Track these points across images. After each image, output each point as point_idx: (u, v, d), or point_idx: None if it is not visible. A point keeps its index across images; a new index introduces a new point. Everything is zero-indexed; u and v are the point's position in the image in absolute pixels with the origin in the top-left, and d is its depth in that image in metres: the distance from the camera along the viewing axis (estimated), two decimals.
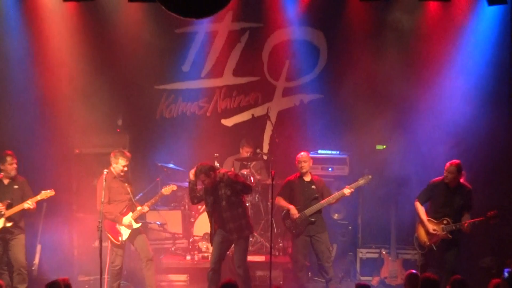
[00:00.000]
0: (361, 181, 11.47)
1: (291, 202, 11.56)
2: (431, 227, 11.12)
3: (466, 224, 10.94)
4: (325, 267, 11.54)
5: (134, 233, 11.37)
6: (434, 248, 11.14)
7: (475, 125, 12.79)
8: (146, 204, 11.42)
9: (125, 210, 11.32)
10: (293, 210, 11.47)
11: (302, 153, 11.68)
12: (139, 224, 11.40)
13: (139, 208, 11.34)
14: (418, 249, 11.43)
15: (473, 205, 11.17)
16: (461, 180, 11.19)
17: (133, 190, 11.49)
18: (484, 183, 12.43)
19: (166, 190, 11.56)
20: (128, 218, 11.26)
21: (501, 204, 12.09)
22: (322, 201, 11.48)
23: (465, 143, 12.81)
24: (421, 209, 11.31)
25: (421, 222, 11.28)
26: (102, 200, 10.82)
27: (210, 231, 11.13)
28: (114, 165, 11.28)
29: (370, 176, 11.47)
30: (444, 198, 11.17)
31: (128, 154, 11.43)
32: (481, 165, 12.63)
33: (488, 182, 12.62)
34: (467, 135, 12.86)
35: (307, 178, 11.66)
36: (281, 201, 11.64)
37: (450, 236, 11.05)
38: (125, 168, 11.32)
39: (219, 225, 10.99)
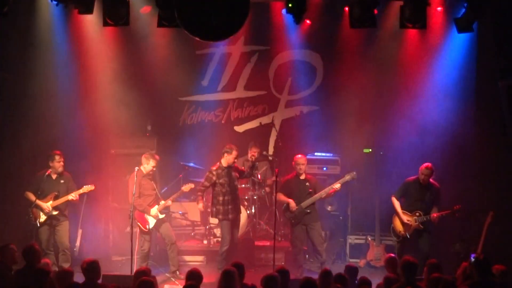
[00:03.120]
0: (347, 177, 11.42)
1: (289, 197, 11.48)
2: (405, 218, 11.07)
3: (434, 216, 10.90)
4: (319, 251, 11.49)
5: (160, 221, 11.32)
6: (408, 237, 11.07)
7: (442, 129, 12.70)
8: (169, 198, 11.35)
9: (152, 203, 11.27)
10: (292, 204, 11.40)
11: (300, 156, 11.61)
12: (164, 215, 11.34)
13: (162, 202, 11.28)
14: (395, 237, 11.36)
15: (441, 201, 11.11)
16: (431, 180, 11.07)
17: (158, 187, 11.41)
18: (451, 177, 12.30)
19: (186, 187, 11.47)
20: (154, 210, 11.21)
21: (467, 199, 11.92)
22: (315, 195, 11.42)
23: (434, 143, 12.65)
24: (396, 203, 11.22)
25: (397, 214, 11.20)
26: (134, 193, 10.76)
27: (224, 209, 11.34)
28: (145, 165, 11.24)
29: (354, 173, 11.42)
30: (417, 195, 11.09)
31: (157, 157, 11.38)
32: (450, 160, 12.54)
33: (456, 175, 12.49)
34: (437, 138, 12.70)
35: (302, 177, 11.58)
36: (281, 196, 11.56)
37: (422, 227, 11.00)
38: (154, 169, 11.28)
39: (234, 206, 11.29)
